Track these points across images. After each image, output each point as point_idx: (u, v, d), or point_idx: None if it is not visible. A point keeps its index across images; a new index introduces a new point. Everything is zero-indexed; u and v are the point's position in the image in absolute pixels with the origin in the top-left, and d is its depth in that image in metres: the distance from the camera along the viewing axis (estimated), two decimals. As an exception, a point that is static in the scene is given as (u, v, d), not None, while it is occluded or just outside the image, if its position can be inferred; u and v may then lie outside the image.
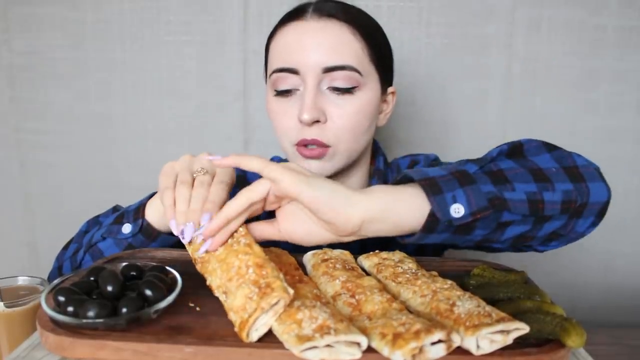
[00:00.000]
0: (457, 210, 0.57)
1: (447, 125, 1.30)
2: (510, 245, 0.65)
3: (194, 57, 1.30)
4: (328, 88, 0.80)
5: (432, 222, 0.57)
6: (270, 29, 0.87)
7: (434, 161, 0.95)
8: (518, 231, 0.61)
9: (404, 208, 0.58)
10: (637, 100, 1.26)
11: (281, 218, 0.63)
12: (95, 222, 0.88)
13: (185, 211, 0.63)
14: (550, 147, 0.66)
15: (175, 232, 0.63)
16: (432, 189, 0.57)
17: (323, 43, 0.79)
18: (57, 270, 0.86)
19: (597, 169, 0.64)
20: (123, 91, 1.32)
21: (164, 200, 0.65)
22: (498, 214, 0.58)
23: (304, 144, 0.81)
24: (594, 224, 0.64)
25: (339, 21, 0.80)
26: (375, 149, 0.97)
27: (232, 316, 0.52)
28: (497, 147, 0.66)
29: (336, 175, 0.87)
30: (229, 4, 1.27)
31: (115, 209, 0.89)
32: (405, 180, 0.62)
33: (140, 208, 0.78)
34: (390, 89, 0.90)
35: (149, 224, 0.76)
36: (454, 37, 1.25)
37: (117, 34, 1.30)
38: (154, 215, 0.77)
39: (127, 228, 0.77)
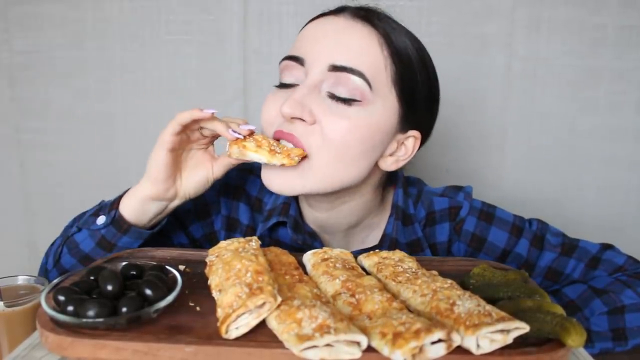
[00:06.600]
0: None
1: (447, 124, 1.30)
2: None
3: (194, 56, 1.30)
4: (327, 93, 0.71)
5: None
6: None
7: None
8: None
9: None
10: (637, 99, 1.26)
11: None
12: (80, 216, 0.87)
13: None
14: None
15: (231, 135, 0.70)
16: None
17: (341, 40, 0.71)
18: (43, 266, 0.84)
19: None
20: (123, 90, 1.32)
21: (216, 124, 0.72)
22: None
23: (277, 138, 0.72)
24: None
25: (372, 28, 0.72)
26: (393, 179, 0.87)
27: (219, 312, 0.53)
28: (603, 306, 0.77)
29: (330, 209, 0.80)
30: (229, 3, 1.26)
31: (100, 203, 0.89)
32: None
33: (115, 201, 0.77)
34: (412, 132, 0.77)
35: (121, 216, 0.75)
36: (453, 36, 1.25)
37: (117, 33, 1.30)
38: (129, 205, 0.75)
39: (101, 219, 0.77)
